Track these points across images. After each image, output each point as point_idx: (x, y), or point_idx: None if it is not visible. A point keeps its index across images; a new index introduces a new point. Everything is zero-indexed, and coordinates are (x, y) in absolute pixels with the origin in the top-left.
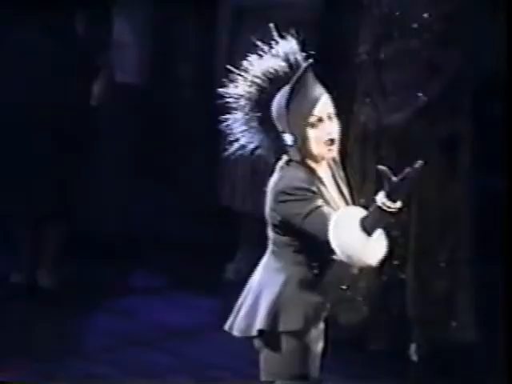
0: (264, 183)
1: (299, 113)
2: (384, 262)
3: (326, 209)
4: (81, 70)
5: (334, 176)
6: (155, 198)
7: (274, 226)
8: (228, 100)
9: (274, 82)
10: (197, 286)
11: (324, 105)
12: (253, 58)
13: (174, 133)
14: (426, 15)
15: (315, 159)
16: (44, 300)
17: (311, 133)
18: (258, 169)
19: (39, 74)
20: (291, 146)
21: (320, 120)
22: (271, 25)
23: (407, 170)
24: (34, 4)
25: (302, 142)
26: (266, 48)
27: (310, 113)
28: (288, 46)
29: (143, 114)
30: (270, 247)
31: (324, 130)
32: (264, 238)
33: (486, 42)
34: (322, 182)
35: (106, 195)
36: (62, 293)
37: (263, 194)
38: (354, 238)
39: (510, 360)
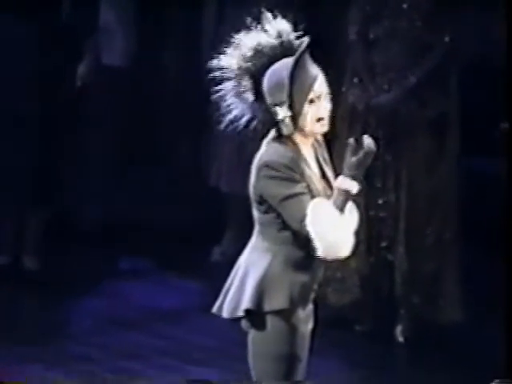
0: (251, 164)
1: (301, 87)
2: (372, 243)
3: (304, 197)
4: (67, 52)
5: (317, 157)
6: (142, 182)
7: (258, 204)
8: (219, 73)
9: (263, 56)
10: (183, 268)
11: (321, 83)
12: (242, 33)
13: (160, 117)
14: None
15: (304, 136)
16: (30, 284)
17: (308, 108)
18: (245, 150)
19: (24, 58)
20: (282, 120)
21: (318, 97)
22: (263, 8)
23: (361, 152)
24: None
25: (297, 117)
26: (255, 25)
27: (310, 88)
28: (281, 25)
29: (129, 98)
30: (256, 227)
31: (319, 107)
32: (251, 220)
33: (478, 25)
34: (305, 162)
35: (92, 180)
36: (49, 276)
37: (250, 175)
38: (329, 222)
39: (498, 340)
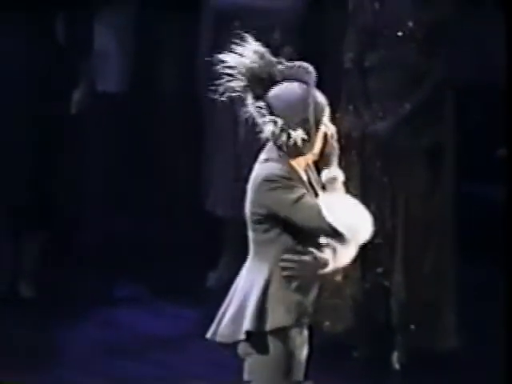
0: (245, 190)
1: (317, 110)
2: (367, 269)
3: (310, 196)
4: (62, 77)
5: (309, 180)
6: (137, 209)
7: (257, 224)
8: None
9: (243, 76)
10: (179, 294)
11: (327, 108)
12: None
13: (155, 142)
14: (410, 23)
15: (298, 159)
16: (24, 310)
17: (320, 131)
18: (241, 174)
19: (20, 81)
20: (294, 141)
21: (326, 120)
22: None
23: None
24: (15, 10)
25: (310, 138)
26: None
27: (323, 112)
28: (257, 47)
29: (126, 120)
30: (252, 249)
31: (325, 130)
32: (247, 245)
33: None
34: (301, 180)
35: (88, 206)
36: (44, 303)
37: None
38: (343, 207)
39: (496, 368)
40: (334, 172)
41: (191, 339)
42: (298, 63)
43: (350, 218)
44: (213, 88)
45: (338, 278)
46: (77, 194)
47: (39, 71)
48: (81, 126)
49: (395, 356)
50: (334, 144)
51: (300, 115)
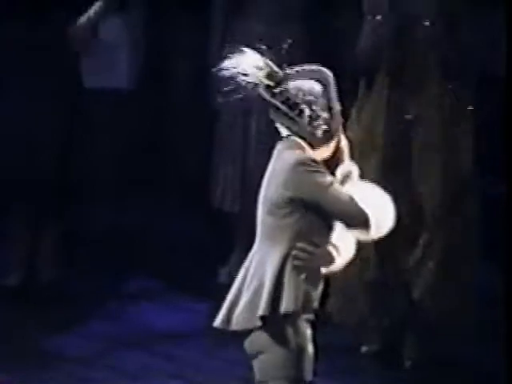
0: (256, 185)
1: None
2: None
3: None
4: (69, 73)
5: None
6: (149, 204)
7: (278, 207)
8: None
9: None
10: (190, 289)
11: None
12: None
13: (165, 138)
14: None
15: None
16: (34, 304)
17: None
18: (251, 170)
19: (25, 75)
20: (312, 131)
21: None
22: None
23: None
24: (21, 4)
25: (332, 127)
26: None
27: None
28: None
29: (135, 116)
30: (265, 234)
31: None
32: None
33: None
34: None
35: (99, 201)
36: (54, 296)
37: (255, 195)
38: (372, 197)
39: (508, 367)
40: (348, 167)
41: (202, 333)
42: (315, 67)
43: (378, 209)
44: (226, 87)
45: (338, 272)
46: (87, 187)
47: (48, 64)
48: (91, 121)
49: (406, 353)
50: (344, 139)
51: (322, 106)
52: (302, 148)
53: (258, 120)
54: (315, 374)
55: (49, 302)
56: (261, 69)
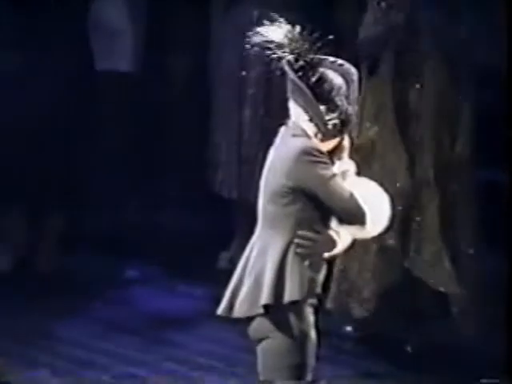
0: (256, 172)
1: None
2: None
3: (339, 178)
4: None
5: None
6: (150, 190)
7: (280, 196)
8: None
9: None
10: (191, 274)
11: None
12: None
13: (165, 126)
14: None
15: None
16: (37, 288)
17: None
18: (251, 156)
19: (29, 64)
20: (333, 122)
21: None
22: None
23: None
24: None
25: (347, 122)
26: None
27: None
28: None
29: (135, 104)
30: (266, 222)
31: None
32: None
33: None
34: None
35: (101, 188)
36: (56, 282)
37: (256, 182)
38: (372, 194)
39: (509, 353)
40: (346, 164)
41: (203, 319)
42: (341, 61)
43: (374, 208)
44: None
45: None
46: (90, 177)
47: (52, 52)
48: (93, 111)
49: (408, 339)
50: (347, 138)
51: (342, 100)
52: (307, 136)
53: (256, 107)
54: (317, 358)
55: (50, 287)
56: (294, 41)
